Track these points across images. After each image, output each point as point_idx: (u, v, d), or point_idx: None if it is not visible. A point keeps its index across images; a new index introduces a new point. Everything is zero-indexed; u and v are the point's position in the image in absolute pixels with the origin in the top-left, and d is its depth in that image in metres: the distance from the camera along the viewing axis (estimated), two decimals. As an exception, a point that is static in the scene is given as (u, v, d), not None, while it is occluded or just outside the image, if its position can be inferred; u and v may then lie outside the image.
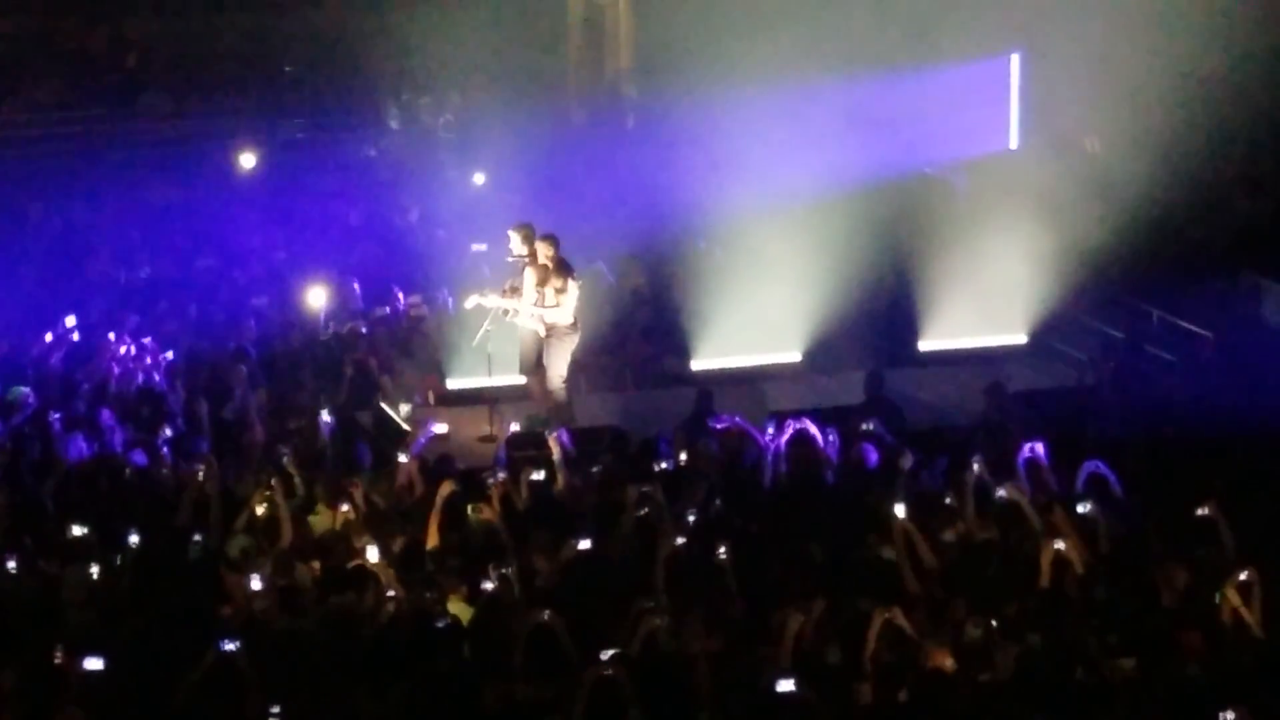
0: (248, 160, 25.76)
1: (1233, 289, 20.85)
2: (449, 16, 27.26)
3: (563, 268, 17.92)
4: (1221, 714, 9.57)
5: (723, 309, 20.47)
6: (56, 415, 16.13)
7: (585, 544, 12.54)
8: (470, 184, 25.57)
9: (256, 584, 11.91)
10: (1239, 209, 22.55)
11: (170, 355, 18.82)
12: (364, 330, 20.11)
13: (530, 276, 17.89)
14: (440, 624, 11.31)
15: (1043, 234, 21.09)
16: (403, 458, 14.76)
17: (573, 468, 14.86)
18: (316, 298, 20.58)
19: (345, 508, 13.71)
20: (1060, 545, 12.21)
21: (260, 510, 13.66)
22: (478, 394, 18.93)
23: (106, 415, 16.43)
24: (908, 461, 14.91)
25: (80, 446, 15.56)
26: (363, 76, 29.11)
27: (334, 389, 18.57)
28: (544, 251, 17.88)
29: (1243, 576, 11.59)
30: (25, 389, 16.81)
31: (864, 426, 15.75)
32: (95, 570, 12.05)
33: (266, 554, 12.83)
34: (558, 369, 18.04)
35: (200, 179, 25.20)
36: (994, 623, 11.24)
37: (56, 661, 10.49)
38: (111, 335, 18.71)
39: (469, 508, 13.72)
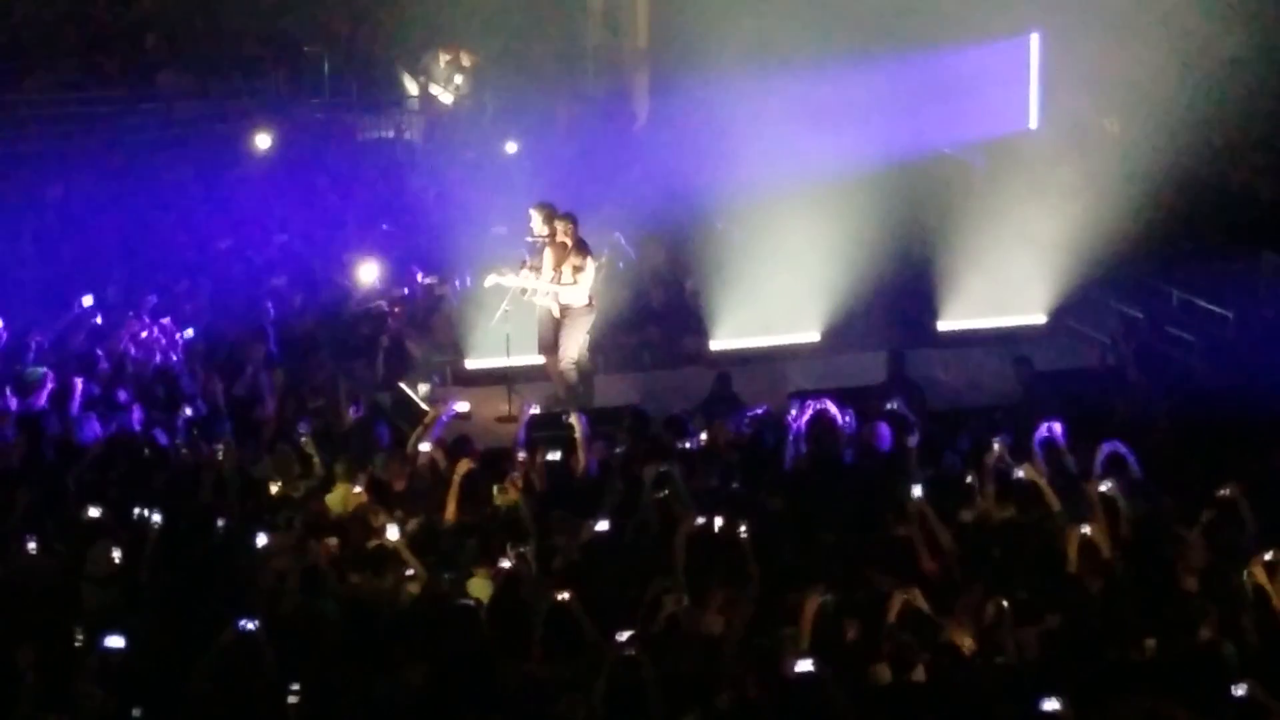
0: (266, 140, 25.74)
1: (1253, 269, 20.80)
2: None
3: (581, 247, 17.91)
4: (1234, 688, 9.56)
5: (742, 289, 20.46)
6: (76, 395, 16.17)
7: (604, 524, 12.54)
8: (487, 162, 25.55)
9: (263, 539, 11.91)
10: (1259, 189, 22.49)
11: (190, 334, 18.83)
12: (386, 309, 20.16)
13: (549, 256, 17.89)
14: (459, 604, 11.30)
15: (1062, 214, 21.06)
16: (424, 446, 14.66)
17: (592, 448, 14.83)
18: (354, 277, 20.71)
19: (358, 489, 13.71)
20: (1087, 530, 12.17)
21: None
22: (496, 374, 18.93)
23: (123, 395, 16.45)
24: (914, 440, 14.90)
25: (94, 427, 15.56)
26: (382, 56, 29.09)
27: (365, 368, 18.60)
28: (563, 230, 17.88)
29: (1268, 556, 11.55)
30: (44, 369, 16.81)
31: (888, 406, 15.74)
32: (115, 551, 12.04)
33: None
34: (570, 349, 18.02)
35: (219, 159, 25.19)
36: (1005, 604, 11.19)
37: (77, 644, 10.53)
38: (118, 318, 18.74)
39: (494, 489, 13.72)
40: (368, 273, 20.87)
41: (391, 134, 28.02)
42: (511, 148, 25.30)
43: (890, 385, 17.48)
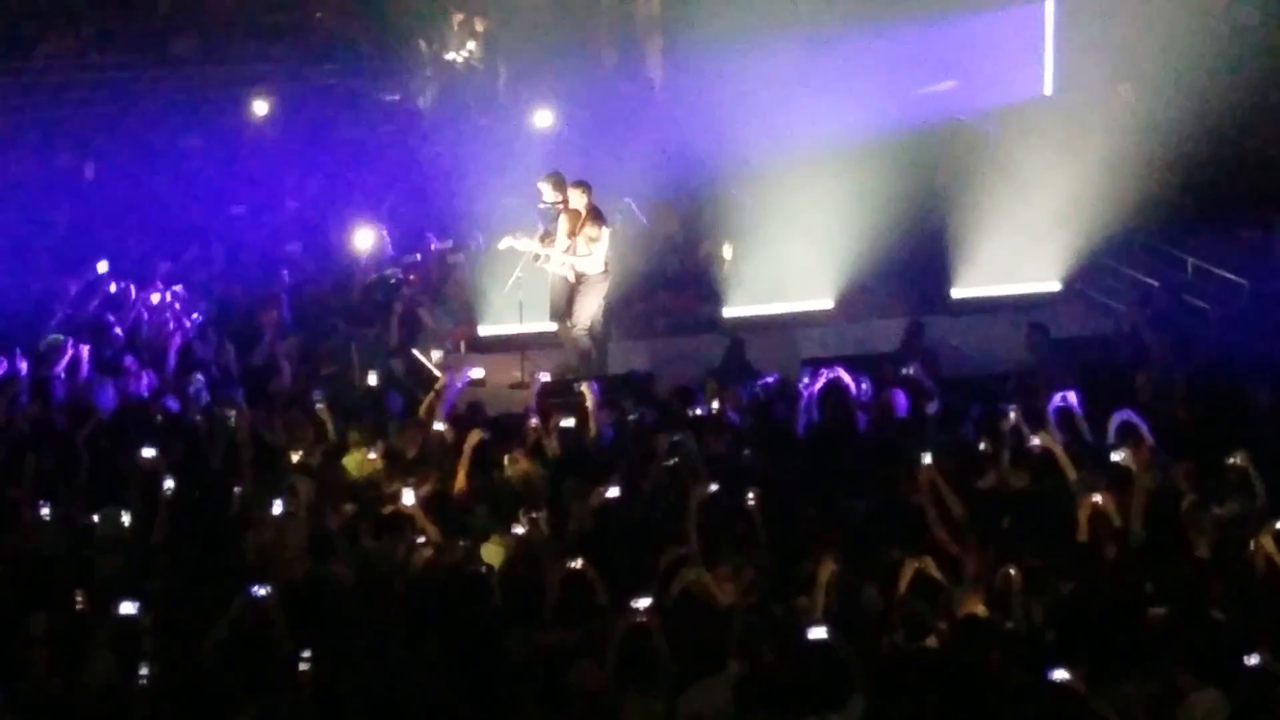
0: (279, 107, 25.70)
1: (1268, 237, 20.74)
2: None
3: (595, 215, 17.88)
4: (1246, 658, 9.54)
5: (756, 256, 20.43)
6: (88, 362, 16.19)
7: (615, 491, 12.53)
8: (500, 129, 25.50)
9: (278, 508, 11.91)
10: (1274, 156, 22.41)
11: (203, 305, 18.84)
12: (400, 276, 20.15)
13: (564, 223, 17.85)
14: (473, 570, 11.30)
15: (1076, 181, 20.99)
16: (439, 421, 14.60)
17: (603, 414, 14.81)
18: (350, 244, 20.65)
19: (372, 455, 13.70)
20: (1098, 499, 12.13)
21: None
22: (509, 341, 18.92)
23: (131, 361, 16.47)
24: (933, 407, 14.87)
25: (109, 394, 15.58)
26: (394, 21, 29.01)
27: (379, 335, 18.60)
28: (576, 198, 17.85)
29: (1278, 525, 11.51)
30: (61, 336, 16.83)
31: (904, 370, 15.71)
32: (127, 517, 12.05)
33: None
34: (584, 317, 18.01)
35: (232, 126, 25.17)
36: (1014, 571, 11.16)
37: (78, 607, 10.53)
38: (132, 284, 18.74)
39: (505, 459, 13.70)
40: (364, 239, 20.74)
41: (398, 98, 27.96)
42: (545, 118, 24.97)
43: (905, 352, 17.45)
